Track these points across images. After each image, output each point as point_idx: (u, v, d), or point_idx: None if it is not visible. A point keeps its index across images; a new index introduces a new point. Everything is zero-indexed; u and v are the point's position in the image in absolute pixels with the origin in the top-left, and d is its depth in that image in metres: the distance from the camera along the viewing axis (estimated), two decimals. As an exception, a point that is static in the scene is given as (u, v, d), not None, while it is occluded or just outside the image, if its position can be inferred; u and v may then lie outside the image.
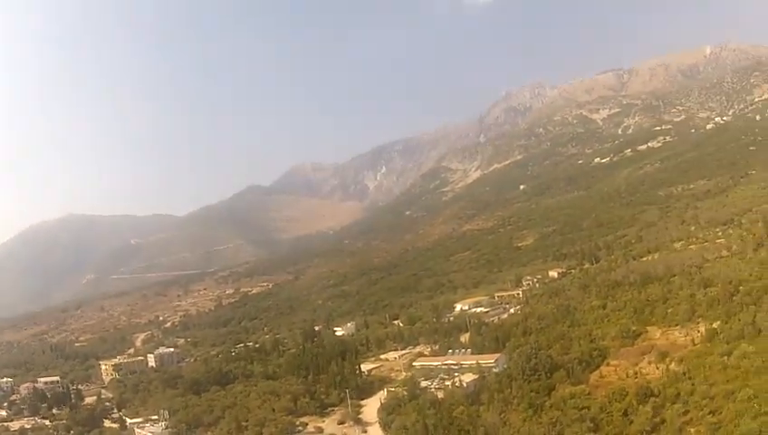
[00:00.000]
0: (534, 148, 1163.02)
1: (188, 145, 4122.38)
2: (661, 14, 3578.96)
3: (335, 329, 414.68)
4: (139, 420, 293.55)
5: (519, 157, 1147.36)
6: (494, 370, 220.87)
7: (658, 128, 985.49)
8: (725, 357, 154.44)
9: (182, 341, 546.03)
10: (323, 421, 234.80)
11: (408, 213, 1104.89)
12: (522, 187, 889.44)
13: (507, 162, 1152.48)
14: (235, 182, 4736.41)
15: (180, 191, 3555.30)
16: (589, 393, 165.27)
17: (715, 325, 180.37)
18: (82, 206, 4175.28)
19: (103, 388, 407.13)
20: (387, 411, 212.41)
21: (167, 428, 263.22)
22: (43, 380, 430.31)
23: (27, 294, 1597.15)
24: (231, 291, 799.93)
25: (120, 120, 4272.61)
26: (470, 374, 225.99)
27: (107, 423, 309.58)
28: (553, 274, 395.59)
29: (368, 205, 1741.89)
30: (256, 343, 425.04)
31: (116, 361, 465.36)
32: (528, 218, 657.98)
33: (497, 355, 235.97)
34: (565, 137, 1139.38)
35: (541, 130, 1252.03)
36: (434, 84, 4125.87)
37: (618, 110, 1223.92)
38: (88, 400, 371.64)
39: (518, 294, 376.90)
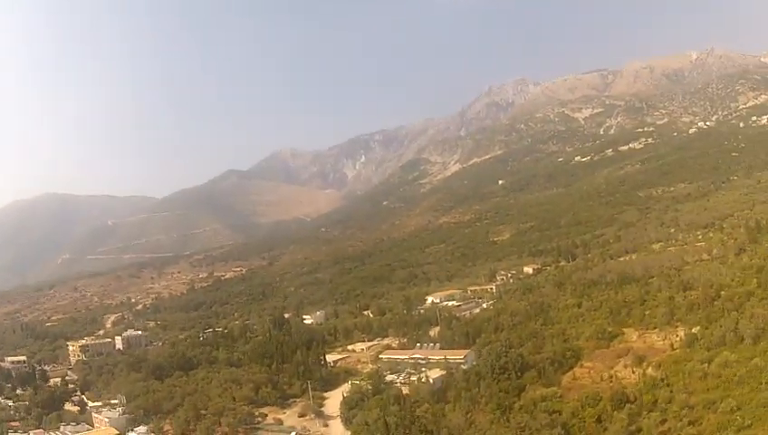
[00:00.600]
0: (515, 144, 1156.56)
1: (171, 129, 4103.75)
2: (647, 17, 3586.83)
3: (304, 317, 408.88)
4: (99, 404, 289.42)
5: (499, 152, 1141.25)
6: (463, 366, 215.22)
7: (641, 130, 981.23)
8: (706, 364, 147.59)
9: (152, 324, 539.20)
10: (284, 413, 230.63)
11: (385, 203, 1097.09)
12: (501, 182, 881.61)
13: (487, 157, 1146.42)
14: (216, 167, 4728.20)
15: (162, 174, 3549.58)
16: (561, 396, 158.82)
17: (694, 330, 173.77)
18: (61, 186, 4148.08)
19: (69, 369, 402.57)
20: (349, 406, 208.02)
21: (124, 413, 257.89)
22: (9, 359, 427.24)
23: (4, 270, 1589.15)
24: (204, 275, 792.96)
25: (104, 101, 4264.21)
26: (437, 370, 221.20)
27: (68, 406, 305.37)
28: (528, 270, 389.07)
29: (346, 193, 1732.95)
30: (225, 328, 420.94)
31: (83, 342, 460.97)
32: (506, 213, 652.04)
33: (466, 351, 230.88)
34: (546, 134, 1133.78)
35: (522, 126, 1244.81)
36: (417, 77, 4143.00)
37: (600, 110, 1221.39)
38: (53, 380, 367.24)
39: (491, 289, 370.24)
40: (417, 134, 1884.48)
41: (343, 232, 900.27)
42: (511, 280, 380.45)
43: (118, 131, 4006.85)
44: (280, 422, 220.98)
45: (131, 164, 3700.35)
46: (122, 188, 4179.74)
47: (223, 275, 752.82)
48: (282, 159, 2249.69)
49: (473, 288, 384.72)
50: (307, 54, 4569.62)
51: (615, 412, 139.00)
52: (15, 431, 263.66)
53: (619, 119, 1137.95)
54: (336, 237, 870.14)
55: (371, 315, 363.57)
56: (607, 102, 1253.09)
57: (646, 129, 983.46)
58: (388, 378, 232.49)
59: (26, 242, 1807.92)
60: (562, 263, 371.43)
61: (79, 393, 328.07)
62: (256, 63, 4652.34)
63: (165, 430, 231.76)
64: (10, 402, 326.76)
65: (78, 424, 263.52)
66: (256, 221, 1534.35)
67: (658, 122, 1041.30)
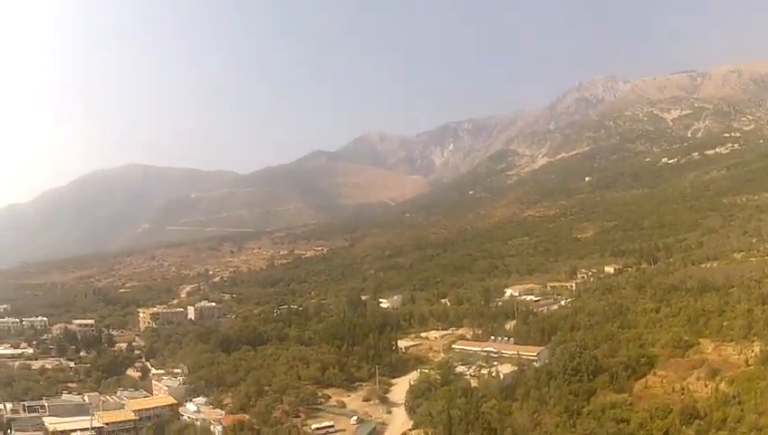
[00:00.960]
0: (603, 141, 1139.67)
1: (260, 107, 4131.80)
2: (735, 19, 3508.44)
3: (381, 301, 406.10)
4: (161, 371, 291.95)
5: (587, 148, 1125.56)
6: (535, 364, 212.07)
7: (728, 135, 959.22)
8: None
9: (227, 296, 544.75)
10: (349, 396, 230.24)
11: (471, 192, 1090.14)
12: (587, 178, 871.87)
13: (574, 152, 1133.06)
14: (301, 147, 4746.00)
15: (246, 151, 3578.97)
16: (630, 404, 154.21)
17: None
18: (144, 157, 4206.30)
19: (137, 336, 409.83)
20: (415, 394, 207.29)
21: (184, 383, 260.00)
22: (77, 322, 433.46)
23: (82, 238, 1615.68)
24: (285, 252, 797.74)
25: (194, 77, 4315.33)
26: (509, 365, 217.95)
27: (130, 371, 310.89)
28: (609, 269, 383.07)
29: (433, 180, 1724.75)
30: (300, 306, 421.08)
31: (155, 310, 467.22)
32: (590, 211, 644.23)
33: (540, 348, 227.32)
34: (634, 133, 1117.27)
35: (611, 123, 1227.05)
36: (508, 68, 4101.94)
37: (689, 111, 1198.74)
38: (119, 346, 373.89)
39: (571, 286, 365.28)
40: (507, 125, 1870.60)
41: (427, 218, 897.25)
42: (591, 279, 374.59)
43: (206, 106, 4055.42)
44: (342, 405, 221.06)
45: (217, 139, 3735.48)
46: (205, 163, 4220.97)
47: (303, 254, 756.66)
48: (370, 142, 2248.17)
49: (552, 284, 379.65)
50: (402, 38, 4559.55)
51: (683, 427, 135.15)
52: (70, 392, 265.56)
53: (706, 122, 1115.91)
54: (420, 223, 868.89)
55: (448, 304, 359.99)
56: (695, 105, 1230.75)
57: (732, 134, 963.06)
58: (459, 369, 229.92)
59: (107, 211, 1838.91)
60: (644, 265, 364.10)
61: (143, 360, 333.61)
62: (348, 45, 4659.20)
63: (224, 403, 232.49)
64: (71, 364, 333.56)
65: (136, 390, 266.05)
66: (341, 202, 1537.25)
67: (745, 128, 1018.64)
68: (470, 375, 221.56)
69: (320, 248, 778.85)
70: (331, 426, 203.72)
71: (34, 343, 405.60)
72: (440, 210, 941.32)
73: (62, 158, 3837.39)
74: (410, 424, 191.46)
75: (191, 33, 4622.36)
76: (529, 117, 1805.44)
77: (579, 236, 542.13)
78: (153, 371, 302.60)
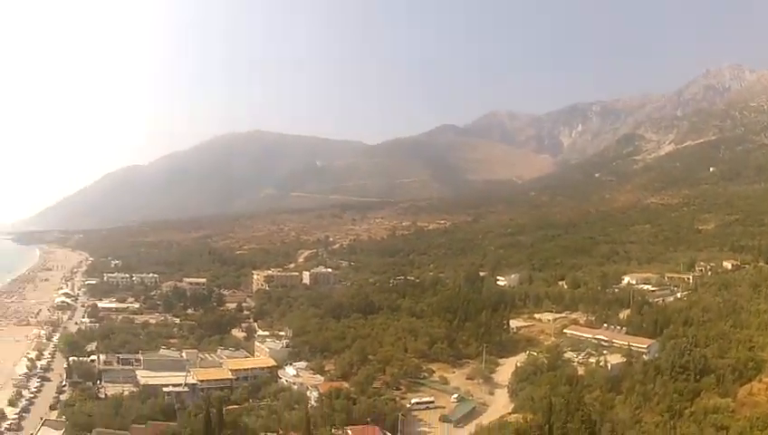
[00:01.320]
0: (729, 131, 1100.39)
1: (387, 79, 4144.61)
2: None
3: (498, 278, 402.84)
4: (266, 333, 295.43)
5: (713, 137, 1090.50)
6: (645, 357, 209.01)
7: None
8: None
9: (345, 264, 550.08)
10: (453, 372, 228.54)
11: (597, 175, 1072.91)
12: (711, 169, 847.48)
13: (700, 141, 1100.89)
14: (426, 120, 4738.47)
15: (371, 121, 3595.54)
16: (733, 411, 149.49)
17: None
18: (270, 124, 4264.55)
19: (249, 297, 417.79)
20: (520, 377, 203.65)
21: (287, 346, 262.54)
22: (188, 280, 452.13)
23: (206, 199, 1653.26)
24: (407, 223, 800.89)
25: (334, 48, 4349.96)
26: (618, 356, 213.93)
27: (235, 331, 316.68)
28: (727, 265, 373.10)
29: (560, 160, 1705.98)
30: (417, 278, 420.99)
31: (269, 272, 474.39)
32: (713, 202, 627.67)
33: (651, 341, 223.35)
34: (759, 125, 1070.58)
35: (737, 113, 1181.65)
36: (635, 50, 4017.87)
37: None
38: (229, 305, 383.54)
39: (688, 278, 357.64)
40: (634, 109, 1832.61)
41: (552, 199, 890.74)
42: (709, 273, 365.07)
43: (337, 79, 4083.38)
44: (445, 381, 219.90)
45: (344, 110, 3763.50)
46: (332, 132, 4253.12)
47: (426, 226, 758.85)
48: (498, 119, 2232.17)
49: (670, 275, 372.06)
50: (534, 17, 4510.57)
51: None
52: (169, 348, 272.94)
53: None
54: (544, 203, 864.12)
55: (565, 286, 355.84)
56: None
57: None
58: (567, 355, 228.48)
59: (232, 174, 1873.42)
60: (761, 263, 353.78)
61: (251, 321, 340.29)
62: (482, 23, 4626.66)
63: (326, 369, 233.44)
64: (177, 320, 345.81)
65: (236, 350, 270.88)
66: (467, 178, 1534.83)
67: None
68: (578, 362, 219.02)
69: (442, 222, 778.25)
70: (431, 402, 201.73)
71: (142, 298, 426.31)
72: (565, 191, 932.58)
73: (191, 120, 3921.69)
74: (510, 407, 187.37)
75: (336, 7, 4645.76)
76: (657, 102, 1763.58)
77: (700, 227, 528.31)
78: (259, 332, 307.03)
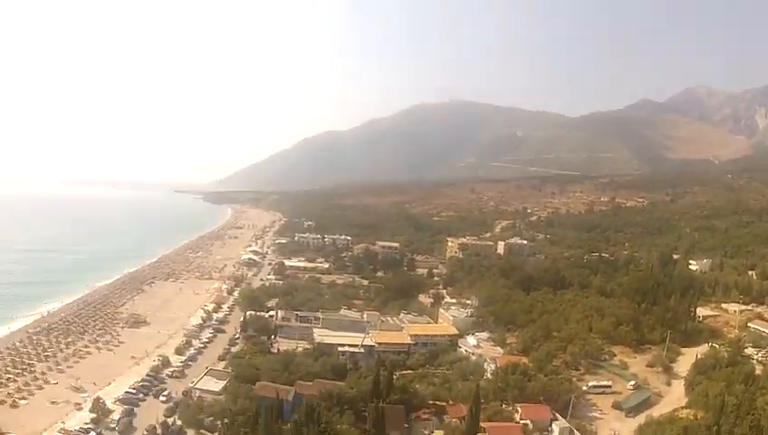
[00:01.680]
0: None
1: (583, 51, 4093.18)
2: None
3: (690, 262, 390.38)
4: (453, 301, 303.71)
5: None
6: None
7: None
8: None
9: (541, 236, 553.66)
10: (634, 357, 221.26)
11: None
12: None
13: None
14: (626, 93, 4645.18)
15: (573, 91, 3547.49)
16: None
17: None
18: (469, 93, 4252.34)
19: (441, 263, 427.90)
20: (699, 370, 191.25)
21: (470, 315, 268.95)
22: (381, 243, 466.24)
23: (404, 165, 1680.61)
24: (606, 199, 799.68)
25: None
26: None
27: (421, 297, 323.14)
28: None
29: (755, 142, 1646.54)
30: (611, 255, 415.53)
31: (464, 240, 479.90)
32: None
33: None
34: None
35: None
36: None
37: None
38: (420, 270, 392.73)
39: None
40: None
41: (748, 183, 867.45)
42: None
43: (533, 51, 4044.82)
44: (625, 366, 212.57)
45: (541, 81, 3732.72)
46: (527, 103, 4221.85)
47: (624, 203, 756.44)
48: (696, 95, 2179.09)
49: None
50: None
51: None
52: (350, 309, 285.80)
53: None
54: (740, 187, 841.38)
55: (754, 277, 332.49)
56: None
57: None
58: (748, 351, 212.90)
59: (430, 143, 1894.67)
60: None
61: (440, 287, 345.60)
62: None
63: (507, 341, 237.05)
64: (365, 282, 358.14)
65: (419, 315, 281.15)
66: (664, 155, 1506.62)
67: None
68: (758, 360, 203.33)
69: (641, 200, 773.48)
70: (609, 386, 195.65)
71: (332, 259, 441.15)
72: (761, 175, 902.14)
73: (383, 91, 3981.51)
74: (684, 401, 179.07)
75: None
76: None
77: None
78: (446, 299, 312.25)
